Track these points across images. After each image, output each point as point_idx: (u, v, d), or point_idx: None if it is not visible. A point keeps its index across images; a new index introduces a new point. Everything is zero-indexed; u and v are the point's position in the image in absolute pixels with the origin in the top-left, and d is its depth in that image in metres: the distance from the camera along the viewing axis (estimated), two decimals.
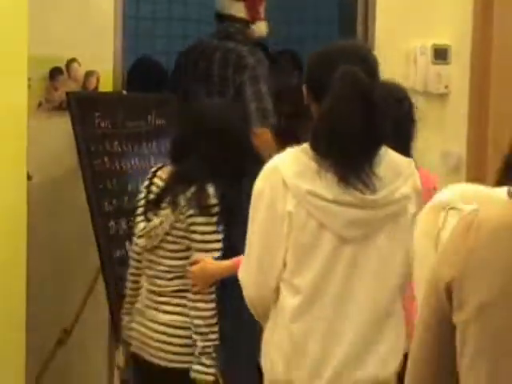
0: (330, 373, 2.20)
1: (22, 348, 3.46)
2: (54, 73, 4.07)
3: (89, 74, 4.12)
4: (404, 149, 2.77)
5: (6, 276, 3.41)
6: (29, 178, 3.51)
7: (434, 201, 1.69)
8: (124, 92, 4.15)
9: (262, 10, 4.24)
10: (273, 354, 2.28)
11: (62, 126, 3.85)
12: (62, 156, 3.97)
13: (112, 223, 3.67)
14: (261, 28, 4.23)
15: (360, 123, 2.19)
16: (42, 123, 3.93)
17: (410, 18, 4.27)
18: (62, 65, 4.06)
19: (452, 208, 1.61)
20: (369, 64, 2.30)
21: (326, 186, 2.21)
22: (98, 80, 4.15)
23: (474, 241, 1.38)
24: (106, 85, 4.15)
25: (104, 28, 4.09)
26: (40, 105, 4.02)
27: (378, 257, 2.23)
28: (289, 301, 2.24)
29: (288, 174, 2.23)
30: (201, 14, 5.60)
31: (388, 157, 2.28)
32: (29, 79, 3.49)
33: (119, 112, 3.88)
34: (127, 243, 3.65)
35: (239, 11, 4.28)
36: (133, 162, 3.85)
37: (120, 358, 3.50)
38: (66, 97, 3.88)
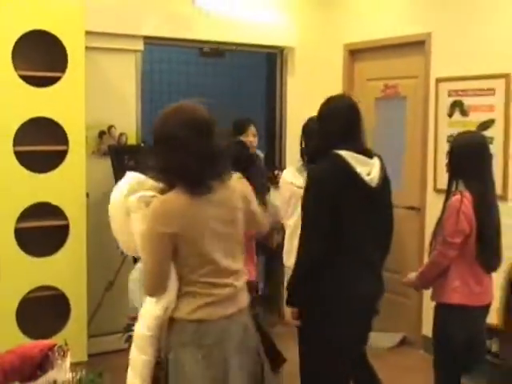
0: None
1: (84, 292, 4.25)
2: (101, 134, 4.81)
3: (121, 135, 4.88)
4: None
5: (74, 251, 4.16)
6: (87, 195, 4.30)
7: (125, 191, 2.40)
8: (142, 144, 4.90)
9: None
10: None
11: (106, 164, 4.62)
12: (105, 182, 4.51)
13: None
14: None
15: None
16: (95, 163, 4.66)
17: (305, 101, 5.25)
18: (105, 129, 4.81)
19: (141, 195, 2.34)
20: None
21: None
22: (126, 138, 4.91)
23: (170, 210, 2.19)
24: (131, 140, 4.88)
25: (129, 107, 4.91)
26: (93, 152, 4.74)
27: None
28: None
29: None
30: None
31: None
32: (86, 137, 4.28)
33: (139, 155, 4.57)
34: None
35: None
36: None
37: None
38: (108, 148, 4.74)
